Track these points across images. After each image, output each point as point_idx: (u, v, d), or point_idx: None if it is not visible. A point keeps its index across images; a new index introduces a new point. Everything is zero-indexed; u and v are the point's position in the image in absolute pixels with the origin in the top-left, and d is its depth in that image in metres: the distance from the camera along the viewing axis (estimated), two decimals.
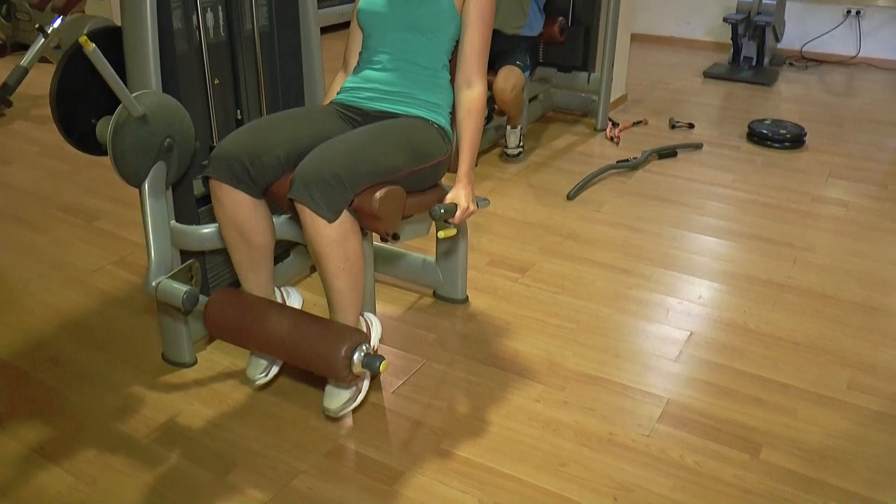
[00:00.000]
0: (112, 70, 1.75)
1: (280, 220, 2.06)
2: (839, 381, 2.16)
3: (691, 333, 2.38)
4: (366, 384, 1.95)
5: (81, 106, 2.01)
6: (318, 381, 2.10)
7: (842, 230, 3.12)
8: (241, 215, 1.89)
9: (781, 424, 1.98)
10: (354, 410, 1.99)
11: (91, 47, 1.69)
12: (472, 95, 2.00)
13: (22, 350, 2.26)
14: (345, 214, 1.76)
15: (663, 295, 2.60)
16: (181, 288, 1.87)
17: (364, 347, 1.80)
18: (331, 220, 1.73)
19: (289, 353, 1.85)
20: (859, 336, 2.38)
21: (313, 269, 2.61)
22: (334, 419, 1.97)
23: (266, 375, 2.03)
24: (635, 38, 4.91)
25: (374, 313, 2.10)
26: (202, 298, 1.95)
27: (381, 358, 1.79)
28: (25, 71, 4.41)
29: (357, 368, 1.78)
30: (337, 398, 1.90)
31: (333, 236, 1.75)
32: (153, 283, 1.90)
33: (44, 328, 2.35)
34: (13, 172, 3.58)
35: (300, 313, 1.94)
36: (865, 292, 2.63)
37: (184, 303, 1.86)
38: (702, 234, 3.07)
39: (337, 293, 1.86)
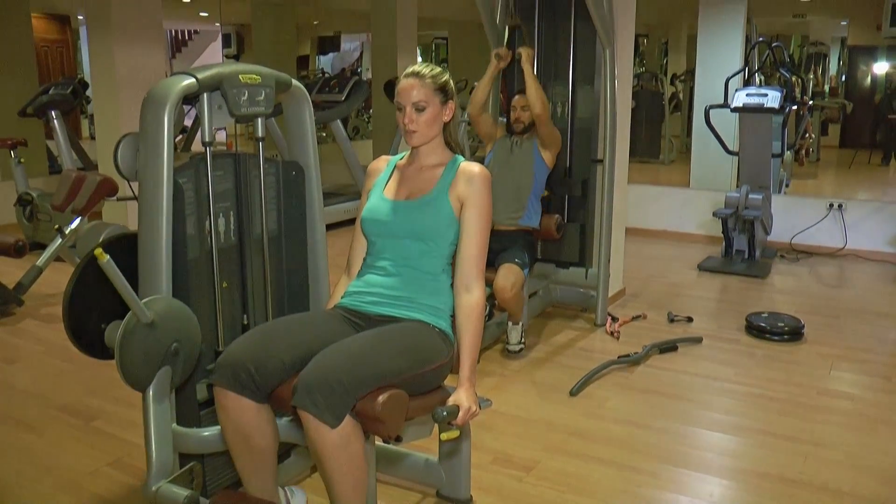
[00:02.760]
0: (124, 280, 1.82)
1: (283, 423, 2.04)
2: None
3: None
4: None
5: (93, 312, 2.08)
6: None
7: (851, 424, 3.07)
8: (245, 420, 1.90)
9: None
10: None
11: (105, 259, 1.77)
12: (471, 300, 2.05)
13: None
14: (347, 419, 1.77)
15: (673, 493, 2.52)
16: (181, 492, 1.86)
17: None
18: (333, 426, 1.75)
19: None
20: None
21: (315, 468, 2.55)
22: None
23: None
24: (630, 231, 5.08)
25: None
26: (203, 501, 1.90)
27: None
28: (40, 271, 4.55)
29: None
30: None
31: (336, 441, 1.76)
32: (153, 488, 1.87)
33: None
34: (15, 372, 3.58)
35: None
36: (885, 489, 2.55)
37: None
38: (708, 430, 3.02)
39: (339, 496, 1.84)
